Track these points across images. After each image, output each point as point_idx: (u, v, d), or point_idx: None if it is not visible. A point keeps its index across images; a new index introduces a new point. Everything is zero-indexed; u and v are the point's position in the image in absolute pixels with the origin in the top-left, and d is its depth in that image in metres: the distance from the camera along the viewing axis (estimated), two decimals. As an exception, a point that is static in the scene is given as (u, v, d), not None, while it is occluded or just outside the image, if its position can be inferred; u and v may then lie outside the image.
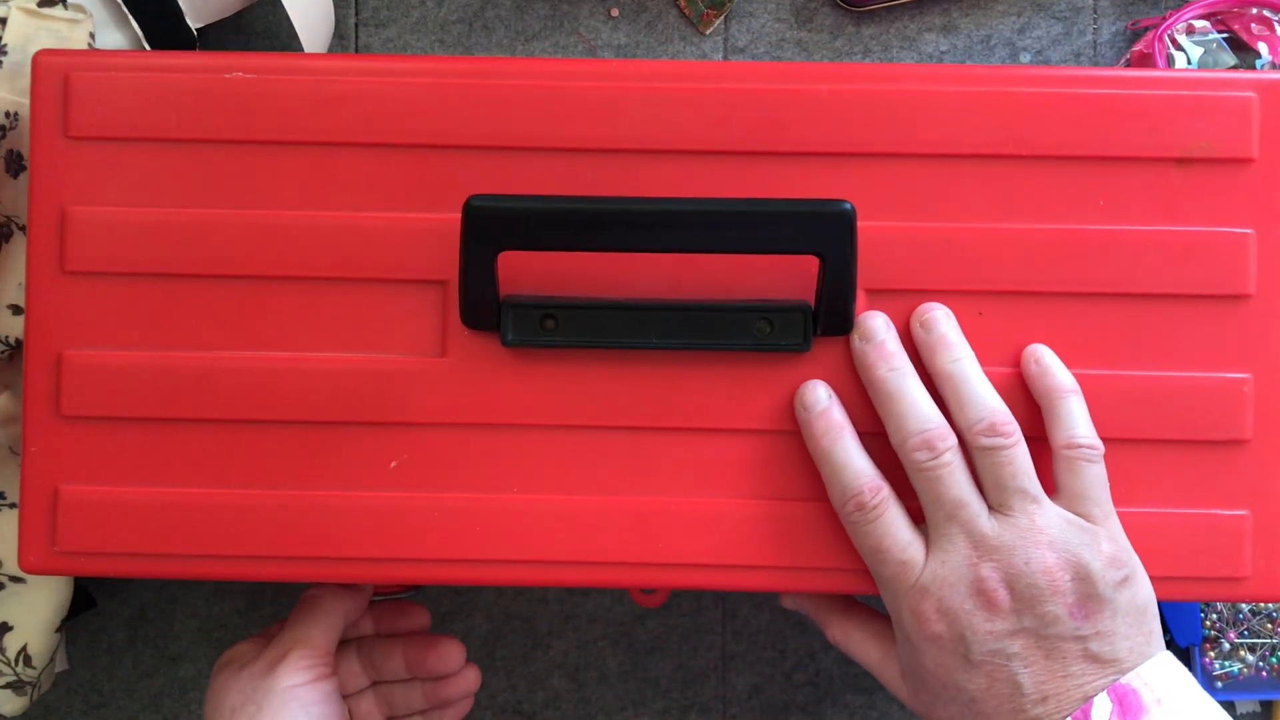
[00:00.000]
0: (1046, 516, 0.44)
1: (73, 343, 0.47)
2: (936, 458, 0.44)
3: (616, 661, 0.64)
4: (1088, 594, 0.43)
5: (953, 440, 0.45)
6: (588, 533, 0.47)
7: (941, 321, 0.46)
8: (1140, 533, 0.46)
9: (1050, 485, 0.46)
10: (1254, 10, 0.60)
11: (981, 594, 0.43)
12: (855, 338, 0.46)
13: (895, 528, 0.45)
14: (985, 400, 0.45)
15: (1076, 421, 0.45)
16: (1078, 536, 0.44)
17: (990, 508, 0.44)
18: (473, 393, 0.47)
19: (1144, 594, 0.45)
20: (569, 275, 0.47)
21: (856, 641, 0.49)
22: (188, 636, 0.63)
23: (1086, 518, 0.44)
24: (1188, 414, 0.47)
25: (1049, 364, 0.46)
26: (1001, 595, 0.43)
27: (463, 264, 0.44)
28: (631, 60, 0.48)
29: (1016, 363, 0.47)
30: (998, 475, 0.44)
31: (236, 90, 0.47)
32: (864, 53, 0.62)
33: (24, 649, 0.55)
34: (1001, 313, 0.47)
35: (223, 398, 0.47)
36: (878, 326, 0.46)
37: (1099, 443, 0.45)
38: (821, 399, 0.46)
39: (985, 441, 0.44)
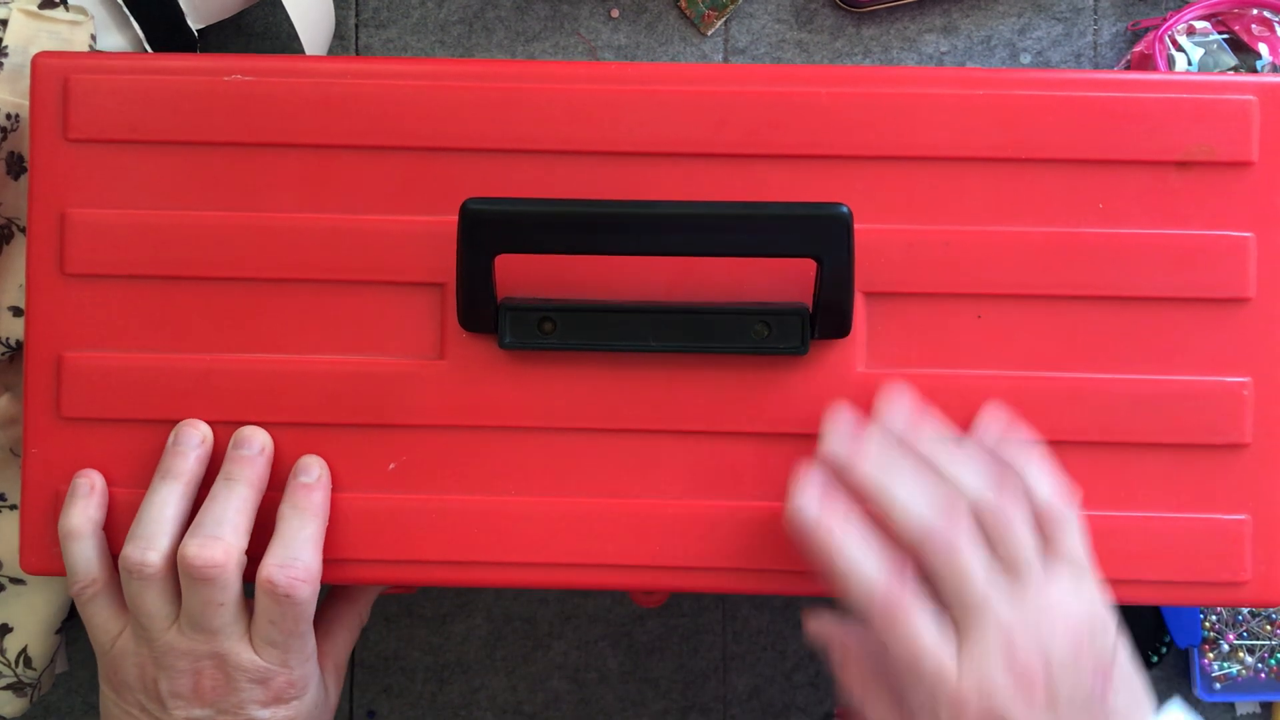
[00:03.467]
0: (1058, 586, 0.42)
1: (73, 345, 0.48)
2: (953, 553, 0.42)
3: (617, 662, 0.64)
4: (1102, 657, 0.42)
5: (964, 521, 0.43)
6: (586, 535, 0.47)
7: (906, 401, 0.46)
8: (1140, 537, 0.46)
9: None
10: (1254, 11, 0.60)
11: (1021, 685, 0.41)
12: (830, 445, 0.44)
13: (922, 633, 0.42)
14: (974, 478, 0.43)
15: (1042, 485, 0.44)
16: (1082, 602, 0.42)
17: (1003, 571, 0.43)
18: (471, 395, 0.47)
19: (1125, 643, 0.44)
20: (567, 278, 0.47)
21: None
22: (188, 636, 0.64)
23: (1079, 576, 0.43)
24: (1187, 418, 0.47)
25: (1003, 429, 0.45)
26: (1039, 682, 0.41)
27: (460, 267, 0.44)
28: (630, 63, 0.48)
29: (1015, 366, 0.47)
30: (1004, 547, 0.42)
31: (235, 93, 0.47)
32: (864, 54, 0.62)
33: (24, 650, 0.55)
34: (1000, 316, 0.47)
35: (221, 400, 0.47)
36: (847, 433, 0.44)
37: (1068, 502, 0.44)
38: (810, 506, 0.43)
39: (986, 515, 0.43)
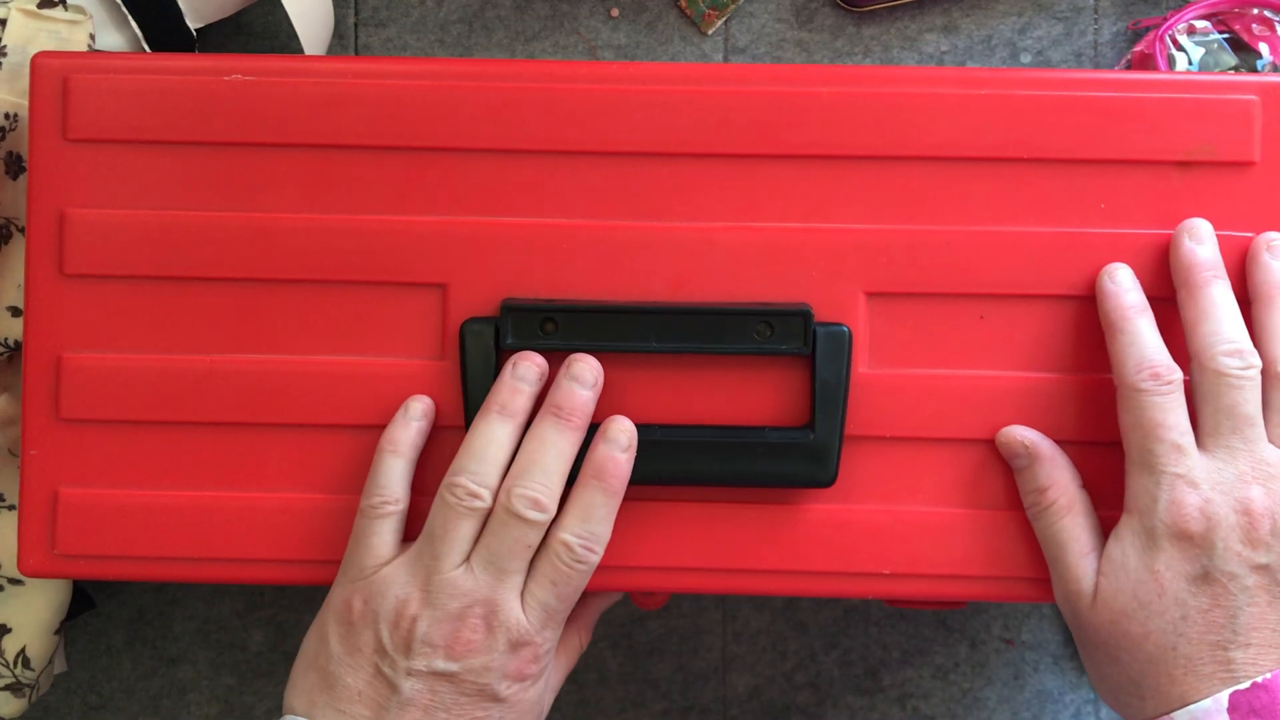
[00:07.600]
0: None
1: (72, 345, 0.47)
2: (1246, 369, 0.44)
3: (616, 663, 0.64)
4: None
5: (1270, 363, 0.45)
6: (587, 536, 0.47)
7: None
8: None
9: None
10: (1255, 11, 0.60)
11: (1248, 514, 0.42)
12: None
13: (1179, 413, 0.44)
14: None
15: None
16: None
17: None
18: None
19: None
20: (569, 279, 0.47)
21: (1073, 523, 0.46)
22: (186, 638, 0.63)
23: None
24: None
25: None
26: (1265, 524, 0.42)
27: (464, 374, 0.47)
28: (631, 63, 0.48)
29: (1017, 366, 0.47)
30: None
31: (235, 93, 0.47)
32: (864, 53, 0.62)
33: (23, 651, 0.55)
34: (1003, 316, 0.47)
35: (222, 401, 0.47)
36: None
37: None
38: (1129, 283, 0.46)
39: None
